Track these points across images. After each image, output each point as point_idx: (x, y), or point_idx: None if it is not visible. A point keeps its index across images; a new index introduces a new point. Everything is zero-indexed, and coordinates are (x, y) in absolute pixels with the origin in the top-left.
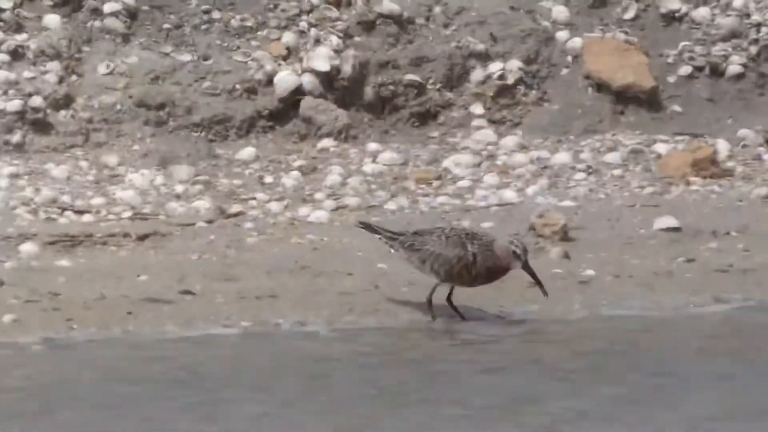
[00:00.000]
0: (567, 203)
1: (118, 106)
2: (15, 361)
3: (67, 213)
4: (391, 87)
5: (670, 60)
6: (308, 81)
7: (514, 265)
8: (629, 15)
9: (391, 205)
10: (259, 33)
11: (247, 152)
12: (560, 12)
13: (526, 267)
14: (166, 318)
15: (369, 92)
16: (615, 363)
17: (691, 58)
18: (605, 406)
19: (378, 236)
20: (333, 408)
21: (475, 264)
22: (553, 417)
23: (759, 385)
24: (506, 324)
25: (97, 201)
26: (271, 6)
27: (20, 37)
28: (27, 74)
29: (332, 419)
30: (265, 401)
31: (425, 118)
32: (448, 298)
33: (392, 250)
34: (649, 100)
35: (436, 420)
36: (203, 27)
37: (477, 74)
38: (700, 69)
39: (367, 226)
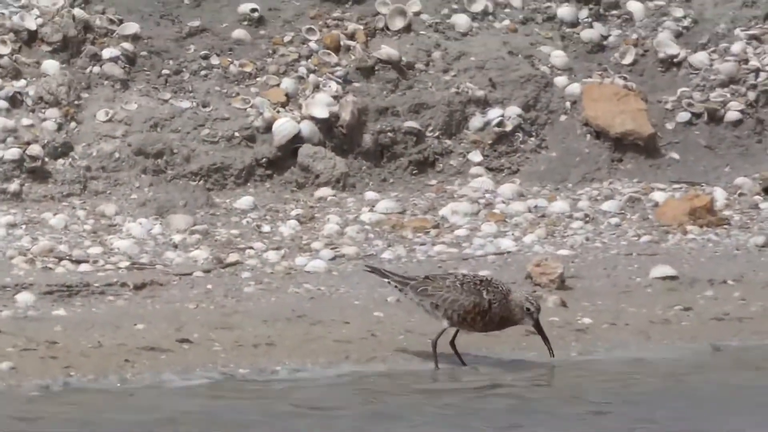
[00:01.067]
0: (564, 251)
1: (117, 154)
2: (13, 407)
3: (64, 262)
4: (390, 134)
5: (668, 106)
6: (307, 128)
7: (525, 322)
8: (627, 60)
9: (388, 254)
10: (258, 79)
11: (245, 201)
12: (558, 57)
13: (537, 326)
14: (164, 366)
15: (368, 140)
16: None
17: (690, 104)
18: None
19: (387, 280)
20: None
21: (491, 311)
22: None
23: None
24: (505, 370)
25: (95, 250)
26: (270, 51)
27: (18, 84)
28: (25, 121)
29: None
30: None
31: (423, 165)
32: (452, 343)
33: (403, 295)
34: (647, 147)
35: None
36: (202, 73)
37: (476, 121)
38: (698, 115)
39: (376, 270)
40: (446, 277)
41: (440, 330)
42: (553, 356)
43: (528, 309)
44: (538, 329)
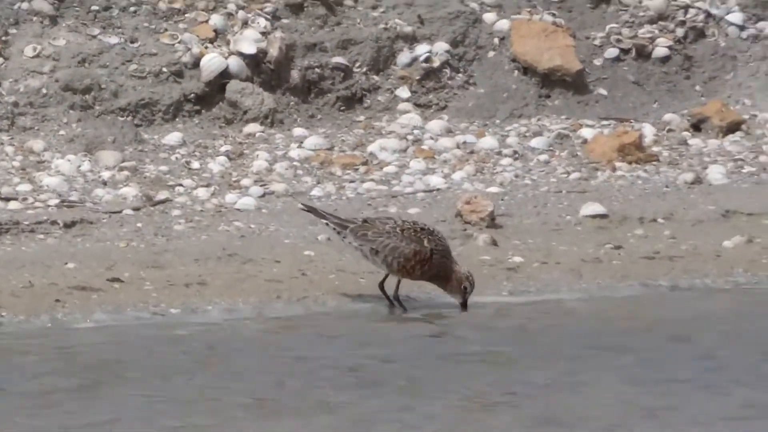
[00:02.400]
0: (494, 189)
1: (44, 90)
2: None
3: None
4: (318, 70)
5: (596, 42)
6: (235, 64)
7: (455, 296)
8: None
9: (317, 192)
10: (186, 15)
11: (174, 137)
12: None
13: (464, 304)
14: (95, 305)
15: (295, 76)
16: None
17: (618, 41)
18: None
19: (325, 222)
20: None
21: (431, 260)
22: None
23: None
24: (437, 308)
25: (24, 188)
26: None
27: None
28: None
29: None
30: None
31: (351, 101)
32: (381, 285)
33: (341, 238)
34: (575, 84)
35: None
36: (131, 9)
37: (403, 57)
38: (626, 52)
39: (313, 210)
40: (386, 222)
41: (396, 283)
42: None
43: (465, 288)
44: (463, 306)
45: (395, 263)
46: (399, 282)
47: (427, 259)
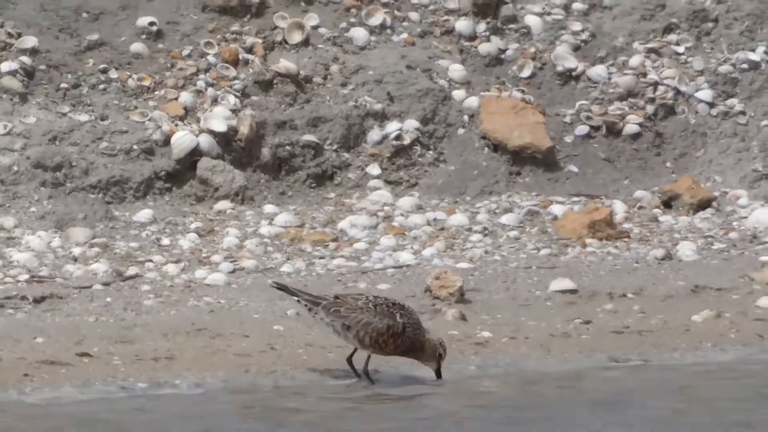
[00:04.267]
0: (463, 264)
1: (15, 167)
2: None
3: None
4: (288, 148)
5: (566, 119)
6: (205, 141)
7: (430, 364)
8: (525, 73)
9: (287, 268)
10: (156, 92)
11: (144, 214)
12: (456, 70)
13: (438, 370)
14: (64, 380)
15: (266, 153)
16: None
17: (588, 117)
18: None
19: (296, 299)
20: None
21: (404, 334)
22: None
23: None
24: (404, 384)
25: None
26: (168, 65)
27: None
28: None
29: None
30: None
31: (322, 178)
32: (349, 359)
33: (312, 314)
34: (546, 161)
35: None
36: (101, 87)
37: (374, 134)
38: (597, 128)
39: (285, 288)
40: (358, 298)
41: (365, 357)
42: (440, 378)
43: (440, 354)
44: (438, 373)
45: (367, 338)
46: (369, 357)
47: (400, 334)
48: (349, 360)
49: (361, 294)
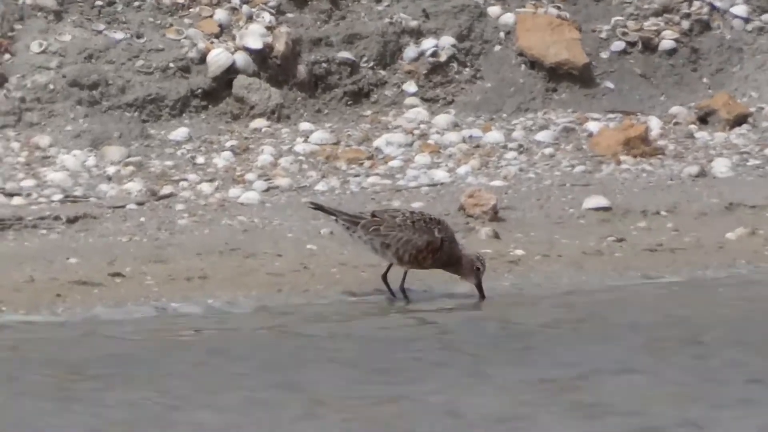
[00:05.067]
0: (497, 182)
1: (51, 86)
2: None
3: None
4: (324, 65)
5: (602, 35)
6: (241, 59)
7: (469, 279)
8: None
9: (321, 186)
10: (191, 10)
11: (180, 132)
12: None
13: (479, 285)
14: (96, 300)
15: (302, 71)
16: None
17: (624, 33)
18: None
19: (334, 218)
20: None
21: (442, 249)
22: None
23: None
24: (439, 301)
25: (28, 183)
26: None
27: None
28: None
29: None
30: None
31: (358, 96)
32: (384, 277)
33: (350, 233)
34: (582, 77)
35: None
36: (135, 4)
37: (410, 51)
38: (632, 44)
39: (321, 208)
40: (395, 215)
41: (402, 274)
42: (483, 298)
43: (477, 268)
44: (479, 290)
45: (407, 255)
46: (405, 274)
47: (438, 248)
48: (384, 277)
49: (397, 210)
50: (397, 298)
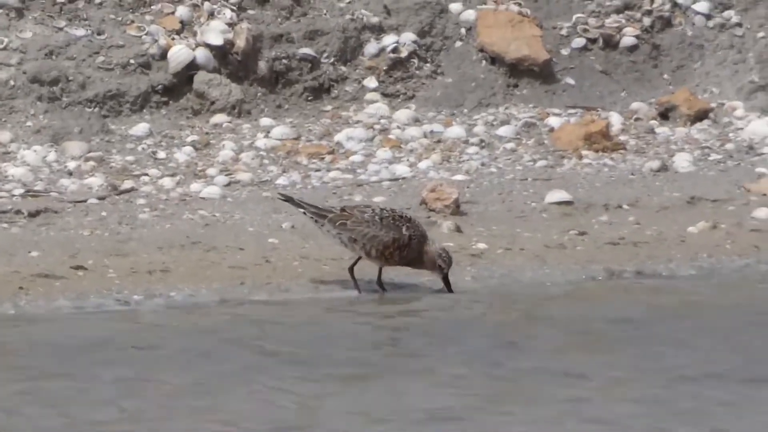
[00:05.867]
0: (459, 177)
1: (12, 82)
2: None
3: None
4: (285, 61)
5: (563, 32)
6: (202, 55)
7: (435, 275)
8: None
9: (282, 180)
10: (152, 7)
11: (141, 128)
12: None
13: (445, 279)
14: (58, 293)
15: (263, 66)
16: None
17: (585, 30)
18: None
19: (302, 211)
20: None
21: (410, 246)
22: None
23: None
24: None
25: None
26: None
27: None
28: None
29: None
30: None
31: (319, 92)
32: (351, 269)
33: (318, 226)
34: (543, 73)
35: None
36: (97, 1)
37: (371, 47)
38: (593, 41)
39: (290, 200)
40: (364, 211)
41: (354, 258)
42: (451, 292)
43: (440, 266)
44: (446, 282)
45: (373, 251)
46: (380, 269)
47: (405, 246)
48: (351, 270)
49: (368, 206)
50: (361, 292)
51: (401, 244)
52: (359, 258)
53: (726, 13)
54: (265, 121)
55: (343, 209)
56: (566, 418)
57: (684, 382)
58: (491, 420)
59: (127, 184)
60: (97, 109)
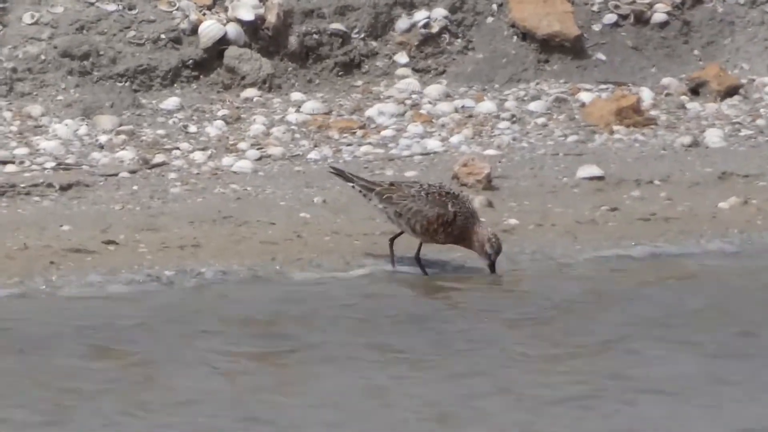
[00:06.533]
0: (491, 152)
1: (43, 56)
2: None
3: None
4: (316, 36)
5: (594, 8)
6: (233, 31)
7: (481, 257)
8: None
9: (314, 155)
10: None
11: (172, 102)
12: None
13: (491, 267)
14: (89, 268)
15: (293, 41)
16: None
17: (616, 6)
18: None
19: (351, 184)
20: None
21: (455, 223)
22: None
23: None
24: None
25: (21, 151)
26: None
27: None
28: None
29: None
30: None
31: (349, 67)
32: (391, 241)
33: (366, 200)
34: (574, 49)
35: None
36: None
37: (402, 23)
38: (624, 17)
39: (341, 173)
40: (411, 185)
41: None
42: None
43: (487, 252)
44: (491, 268)
45: (418, 226)
46: (420, 245)
47: (450, 223)
48: (391, 242)
49: (415, 182)
50: (395, 267)
51: (446, 220)
52: (401, 232)
53: None
54: (295, 95)
55: (391, 183)
56: None
57: None
58: None
59: (159, 158)
60: (128, 83)
